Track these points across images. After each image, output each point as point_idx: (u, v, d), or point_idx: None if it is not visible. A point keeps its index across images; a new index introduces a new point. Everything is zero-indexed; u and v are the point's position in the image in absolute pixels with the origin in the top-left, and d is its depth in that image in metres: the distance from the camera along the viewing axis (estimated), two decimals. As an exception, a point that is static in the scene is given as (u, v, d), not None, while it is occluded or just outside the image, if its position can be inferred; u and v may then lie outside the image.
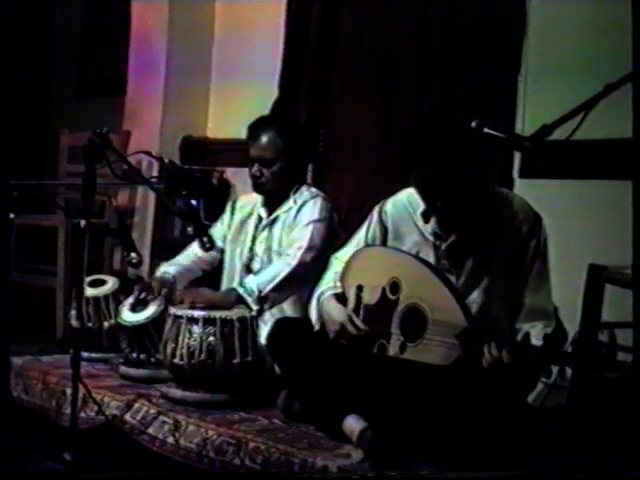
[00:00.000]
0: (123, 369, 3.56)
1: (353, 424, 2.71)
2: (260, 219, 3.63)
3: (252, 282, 3.40)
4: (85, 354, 3.48)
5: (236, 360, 3.16)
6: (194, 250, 3.66)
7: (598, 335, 3.10)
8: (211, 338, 3.15)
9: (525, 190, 3.80)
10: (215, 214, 3.86)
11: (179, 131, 5.19)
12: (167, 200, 3.19)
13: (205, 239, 3.08)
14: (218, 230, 3.72)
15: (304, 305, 3.37)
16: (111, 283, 3.84)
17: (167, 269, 3.67)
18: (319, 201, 3.52)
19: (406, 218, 2.91)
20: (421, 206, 2.82)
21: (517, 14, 3.91)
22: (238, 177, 4.94)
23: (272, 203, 3.59)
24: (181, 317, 3.19)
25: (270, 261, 3.53)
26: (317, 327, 3.03)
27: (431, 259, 2.81)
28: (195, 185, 3.10)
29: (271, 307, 3.43)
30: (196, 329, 3.16)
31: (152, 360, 3.48)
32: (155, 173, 4.10)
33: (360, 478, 2.56)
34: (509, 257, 2.74)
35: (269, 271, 3.44)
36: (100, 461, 2.95)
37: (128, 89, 5.28)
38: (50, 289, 4.77)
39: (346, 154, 4.55)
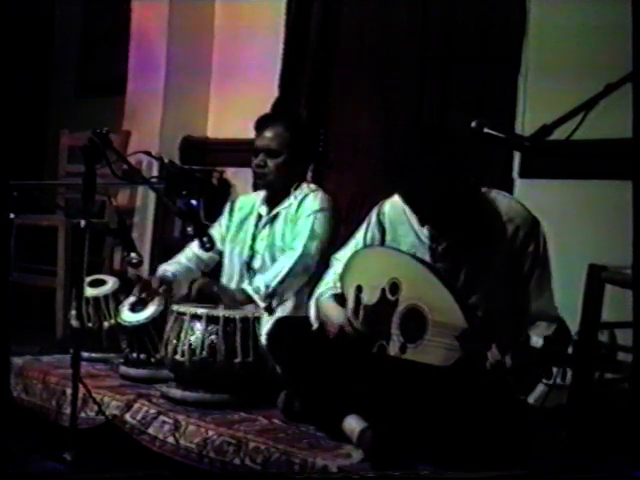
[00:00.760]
0: (123, 369, 3.56)
1: (353, 424, 2.71)
2: (260, 217, 3.63)
3: (259, 281, 3.43)
4: (85, 354, 3.48)
5: (237, 360, 3.16)
6: (193, 250, 3.67)
7: (598, 335, 3.10)
8: (213, 336, 3.15)
9: (525, 190, 3.81)
10: (215, 214, 3.86)
11: (179, 131, 5.19)
12: (167, 200, 3.19)
13: (205, 239, 3.08)
14: (216, 231, 3.72)
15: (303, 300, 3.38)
16: (111, 283, 3.84)
17: (167, 268, 3.69)
18: (320, 193, 3.55)
19: (403, 220, 2.92)
20: None
21: (517, 14, 3.91)
22: (238, 177, 4.95)
23: (272, 200, 3.60)
24: (184, 314, 3.19)
25: (272, 258, 3.54)
26: (315, 326, 3.04)
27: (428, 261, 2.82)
28: (195, 185, 3.10)
29: (281, 302, 3.43)
30: (198, 326, 3.16)
31: (152, 360, 3.48)
32: (155, 173, 4.10)
33: (360, 478, 2.56)
34: (507, 261, 2.74)
35: (275, 267, 3.47)
36: (100, 461, 2.95)
37: (128, 89, 5.28)
38: (50, 289, 4.77)
39: (346, 154, 4.55)
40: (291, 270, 3.42)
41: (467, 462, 2.53)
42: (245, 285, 3.46)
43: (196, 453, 2.90)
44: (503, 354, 2.48)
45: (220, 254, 3.73)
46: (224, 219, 3.77)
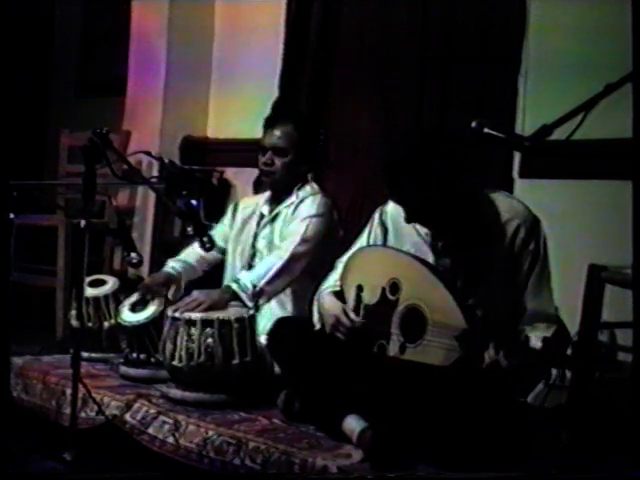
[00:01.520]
0: (123, 369, 3.56)
1: (353, 424, 2.71)
2: (262, 217, 3.64)
3: (245, 278, 3.41)
4: (85, 354, 3.48)
5: (235, 361, 3.16)
6: (196, 249, 3.67)
7: (598, 335, 3.10)
8: (209, 340, 3.15)
9: (525, 190, 3.81)
10: (215, 214, 3.86)
11: (179, 131, 5.18)
12: (167, 200, 3.19)
13: (205, 239, 3.08)
14: (219, 230, 3.73)
15: (305, 301, 3.38)
16: (111, 283, 3.84)
17: (174, 264, 3.69)
18: (318, 197, 3.54)
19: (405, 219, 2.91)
20: None
21: (517, 14, 3.90)
22: (238, 177, 4.95)
23: (275, 200, 3.61)
24: (179, 319, 3.19)
25: None
26: (318, 327, 3.04)
27: (430, 260, 2.82)
28: (195, 185, 3.10)
29: (267, 301, 3.43)
30: (194, 331, 3.16)
31: (152, 360, 3.48)
32: (155, 173, 4.10)
33: (360, 478, 2.56)
34: (507, 261, 2.74)
35: (262, 266, 3.46)
36: (100, 461, 2.95)
37: (128, 89, 5.27)
38: (50, 289, 4.77)
39: (346, 154, 4.55)
40: (279, 272, 3.42)
41: (467, 462, 2.53)
42: (230, 282, 3.45)
43: (196, 453, 2.90)
44: (500, 354, 2.48)
45: (223, 252, 3.73)
46: (227, 219, 3.77)
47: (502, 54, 3.98)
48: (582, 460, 2.71)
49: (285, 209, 3.57)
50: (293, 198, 3.56)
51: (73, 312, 3.70)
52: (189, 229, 3.08)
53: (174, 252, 3.83)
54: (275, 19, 4.81)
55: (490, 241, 2.75)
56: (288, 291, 3.52)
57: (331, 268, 3.13)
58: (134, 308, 3.54)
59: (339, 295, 2.99)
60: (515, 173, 3.91)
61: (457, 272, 2.77)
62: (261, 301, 3.41)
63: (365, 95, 4.51)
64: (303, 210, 3.51)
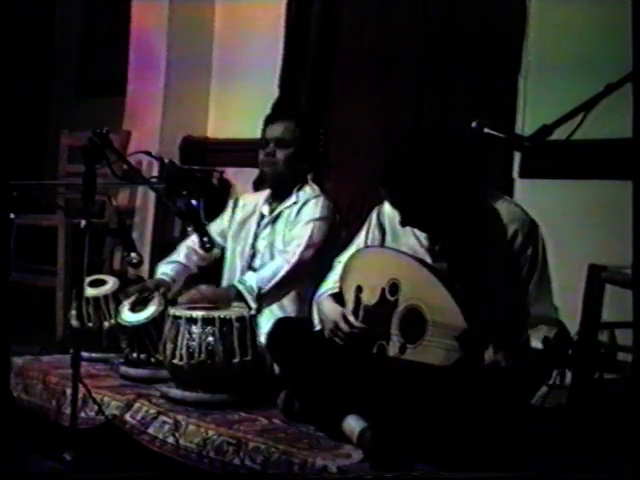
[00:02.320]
0: (123, 369, 3.56)
1: (353, 424, 2.71)
2: (262, 217, 3.64)
3: (252, 279, 3.41)
4: (85, 354, 3.47)
5: (236, 360, 3.16)
6: (188, 245, 3.67)
7: (598, 335, 3.10)
8: (210, 338, 3.15)
9: (525, 190, 3.81)
10: (215, 214, 3.86)
11: (179, 131, 5.19)
12: (167, 200, 3.19)
13: (205, 239, 3.08)
14: (218, 226, 3.72)
15: (304, 302, 3.38)
16: (111, 283, 3.84)
17: (165, 270, 3.67)
18: (321, 200, 3.54)
19: (402, 220, 2.91)
20: None
21: (517, 14, 3.90)
22: (238, 177, 4.95)
23: (275, 199, 3.60)
24: (180, 317, 3.19)
25: (272, 257, 3.55)
26: (318, 327, 3.04)
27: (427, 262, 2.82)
28: (195, 185, 3.10)
29: (269, 304, 3.44)
30: (195, 329, 3.16)
31: (152, 360, 3.48)
32: (155, 173, 4.10)
33: (360, 478, 2.55)
34: (506, 264, 2.73)
35: (268, 268, 3.46)
36: (100, 461, 2.95)
37: (128, 89, 5.28)
38: (50, 289, 4.77)
39: (346, 154, 4.55)
40: (286, 276, 3.42)
41: (467, 462, 2.53)
42: (236, 282, 3.45)
43: (196, 453, 2.90)
44: (500, 355, 2.48)
45: (221, 250, 3.72)
46: (227, 215, 3.77)
47: (502, 54, 3.98)
48: (582, 460, 2.71)
49: (286, 210, 3.56)
50: (293, 199, 3.56)
51: (73, 312, 3.69)
52: (189, 229, 3.08)
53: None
54: (275, 19, 4.81)
55: (487, 244, 2.74)
56: (291, 296, 3.52)
57: (329, 268, 3.13)
58: (134, 308, 3.54)
59: (338, 297, 2.99)
60: (515, 173, 3.91)
61: (454, 275, 2.77)
62: (264, 304, 3.41)
63: (365, 95, 4.52)
64: (306, 213, 3.51)
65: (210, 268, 3.79)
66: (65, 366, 3.28)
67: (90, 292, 3.73)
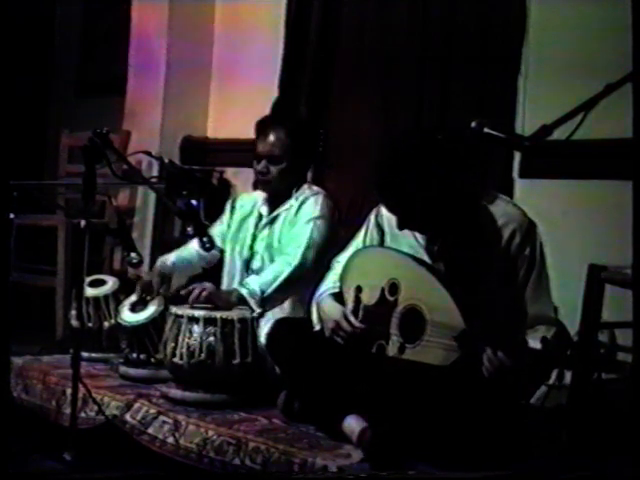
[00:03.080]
0: (123, 369, 3.56)
1: (353, 424, 2.71)
2: (260, 217, 3.63)
3: (254, 283, 3.38)
4: (85, 354, 3.48)
5: (236, 361, 3.16)
6: (194, 246, 3.67)
7: (598, 335, 3.10)
8: (211, 338, 3.15)
9: (525, 190, 3.81)
10: (215, 214, 3.86)
11: (179, 131, 5.19)
12: (167, 200, 3.19)
13: (205, 239, 3.08)
14: (218, 229, 3.72)
15: (305, 304, 3.38)
16: (111, 283, 3.84)
17: (166, 257, 3.68)
18: (320, 198, 3.52)
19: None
20: None
21: (517, 14, 3.91)
22: (238, 177, 4.95)
23: (274, 201, 3.60)
24: (181, 316, 3.19)
25: (271, 259, 3.53)
26: (318, 327, 3.04)
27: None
28: (195, 185, 3.10)
29: (272, 308, 3.43)
30: (196, 329, 3.16)
31: (152, 360, 3.48)
32: (155, 173, 4.10)
33: (360, 478, 2.56)
34: (504, 264, 2.73)
35: (270, 271, 3.43)
36: (100, 461, 2.95)
37: (128, 89, 5.28)
38: (50, 289, 4.77)
39: (346, 154, 4.55)
40: (289, 278, 3.39)
41: (467, 462, 2.53)
42: (238, 286, 3.44)
43: (196, 453, 2.90)
44: (499, 355, 2.48)
45: (222, 251, 3.72)
46: (225, 217, 3.76)
47: (502, 54, 3.98)
48: (582, 460, 2.71)
49: (285, 211, 3.55)
50: (292, 200, 3.54)
51: (73, 312, 3.69)
52: (189, 229, 3.08)
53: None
54: (275, 19, 4.81)
55: (485, 245, 2.74)
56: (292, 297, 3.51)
57: (327, 268, 3.13)
58: (134, 308, 3.54)
59: (338, 297, 2.99)
60: (515, 173, 3.91)
61: (453, 275, 2.77)
62: (267, 307, 3.40)
63: (365, 95, 4.52)
64: (306, 211, 3.49)
65: (210, 269, 3.79)
66: (65, 366, 3.28)
67: (90, 292, 3.73)
